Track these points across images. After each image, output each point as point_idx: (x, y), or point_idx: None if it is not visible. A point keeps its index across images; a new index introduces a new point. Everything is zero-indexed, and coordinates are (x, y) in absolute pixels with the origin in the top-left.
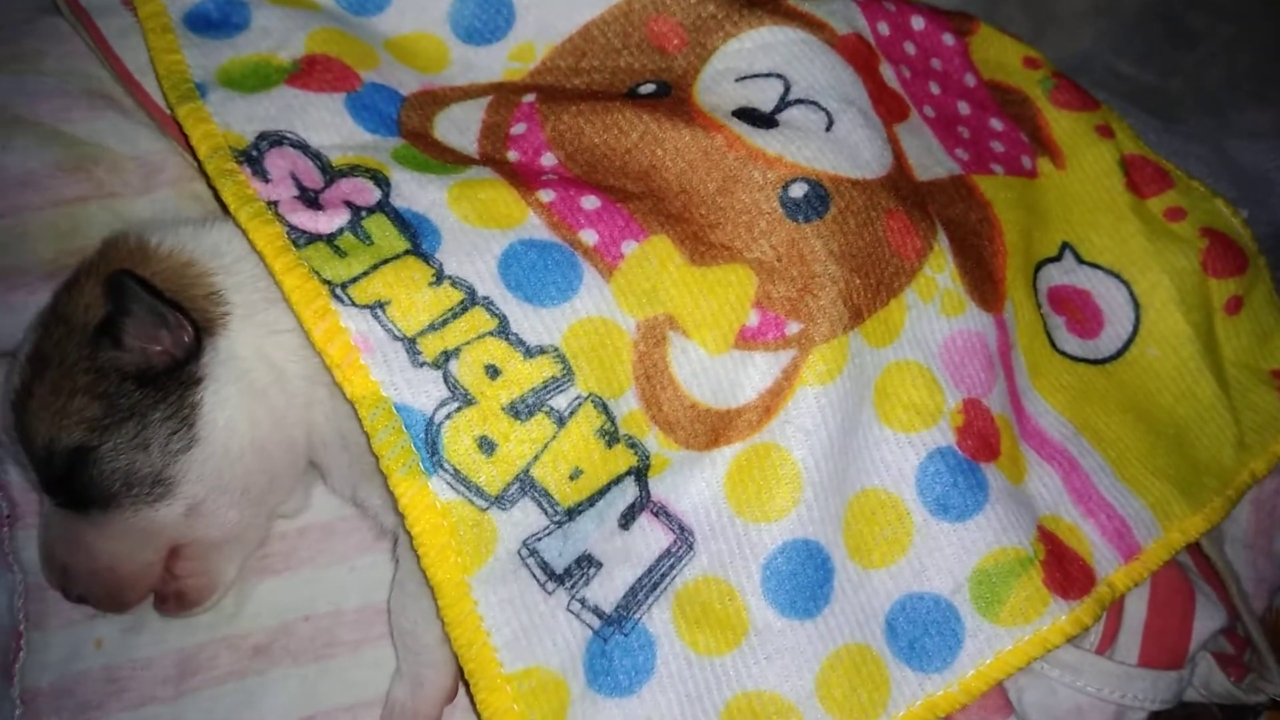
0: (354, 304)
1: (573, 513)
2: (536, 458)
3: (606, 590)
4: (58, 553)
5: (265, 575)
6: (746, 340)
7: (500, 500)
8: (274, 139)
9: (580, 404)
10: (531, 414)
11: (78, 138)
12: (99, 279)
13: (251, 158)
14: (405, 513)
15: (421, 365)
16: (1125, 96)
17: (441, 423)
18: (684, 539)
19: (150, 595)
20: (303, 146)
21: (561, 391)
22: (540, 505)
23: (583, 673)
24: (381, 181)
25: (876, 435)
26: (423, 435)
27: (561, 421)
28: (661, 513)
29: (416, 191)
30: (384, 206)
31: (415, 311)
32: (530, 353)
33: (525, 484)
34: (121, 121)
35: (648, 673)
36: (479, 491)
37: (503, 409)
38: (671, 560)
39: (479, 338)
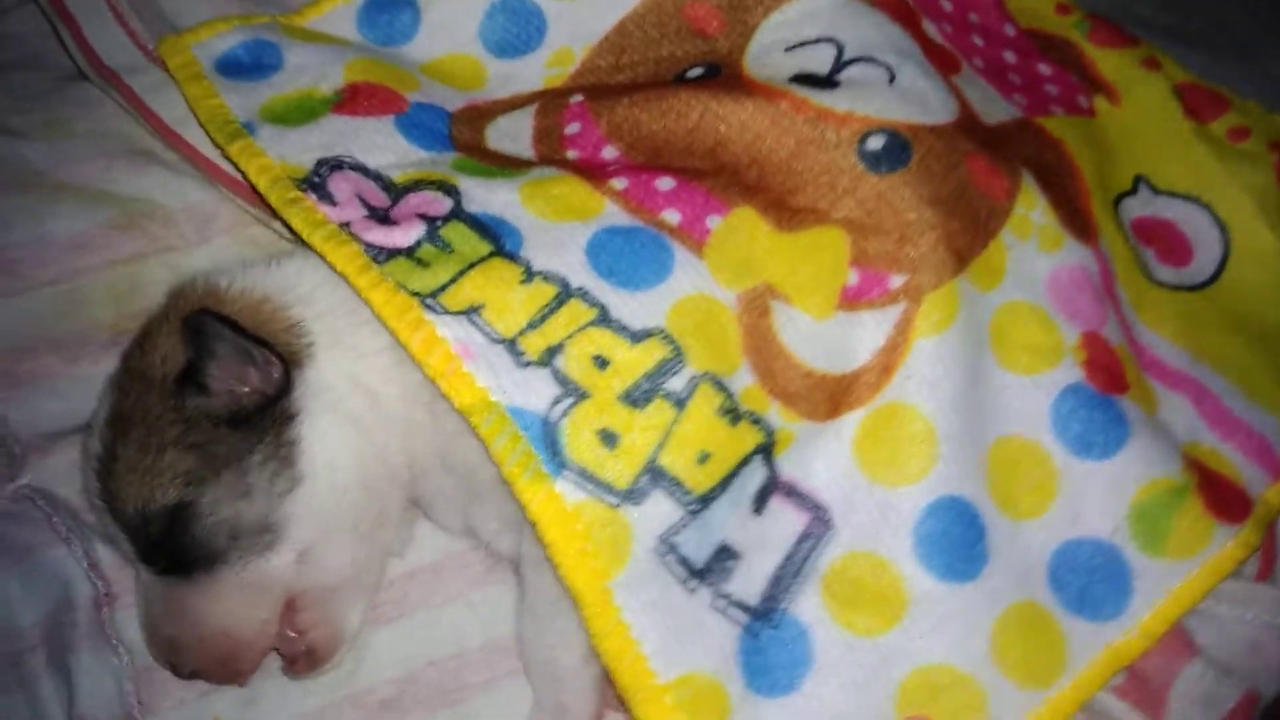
0: (447, 312)
1: (706, 500)
2: (661, 445)
3: (749, 582)
4: (164, 626)
5: (379, 625)
6: (850, 301)
7: (631, 494)
8: (333, 164)
9: (696, 384)
10: (648, 400)
11: (125, 195)
12: (173, 327)
13: (314, 184)
14: (535, 520)
15: (527, 365)
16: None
17: (558, 420)
18: (820, 517)
19: (262, 663)
20: (362, 169)
21: (675, 373)
22: (673, 495)
23: (739, 674)
24: (450, 191)
25: (1000, 382)
26: (541, 436)
27: (680, 404)
28: (792, 493)
29: (487, 196)
30: (458, 214)
31: (511, 311)
32: (636, 338)
33: (654, 474)
34: (167, 175)
35: (807, 664)
36: (608, 488)
37: (618, 398)
38: (811, 541)
39: (581, 329)
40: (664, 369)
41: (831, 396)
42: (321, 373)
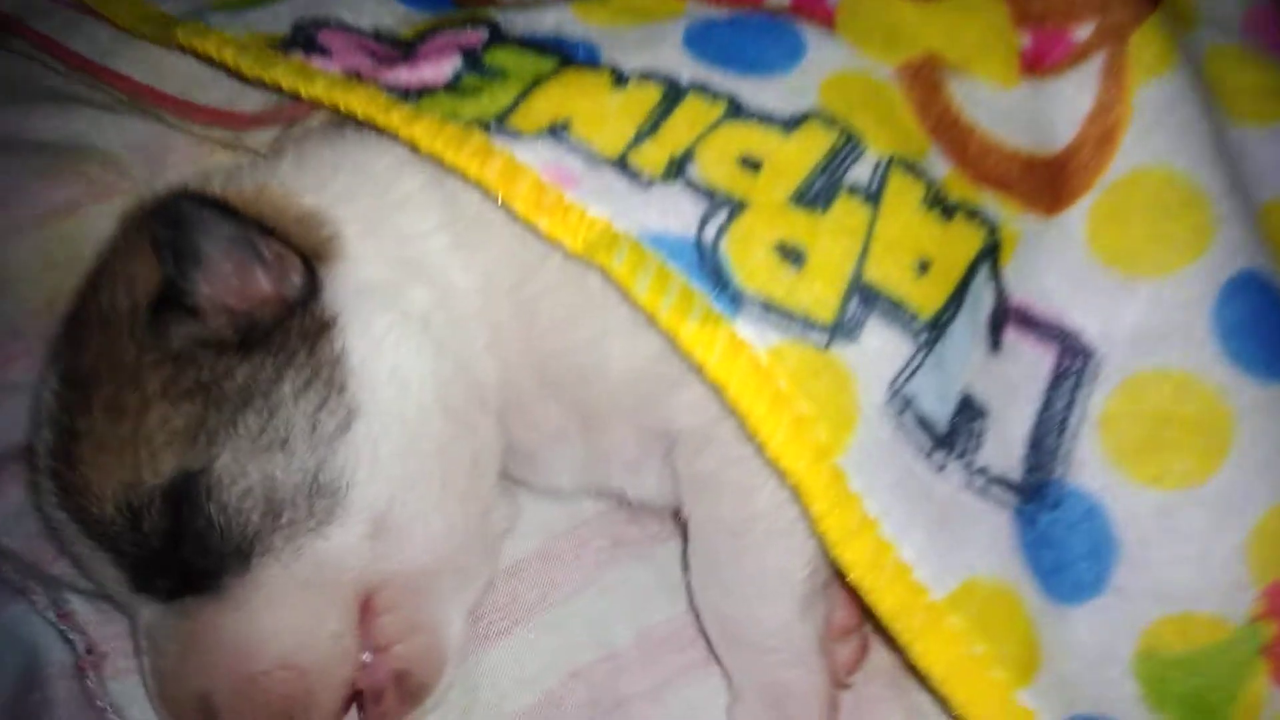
0: (524, 134)
1: (939, 324)
2: (865, 253)
3: (1005, 449)
4: (187, 679)
5: (490, 642)
6: (1032, 67)
7: (842, 327)
8: (318, 23)
9: (886, 171)
10: (830, 198)
11: (50, 141)
12: (136, 249)
13: (299, 41)
14: (718, 381)
15: (650, 185)
16: None
17: (716, 240)
18: (1071, 347)
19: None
20: (355, 30)
21: (855, 161)
22: (896, 321)
23: (1028, 575)
24: (482, 23)
25: (1238, 140)
26: (698, 264)
27: (873, 199)
28: (1028, 321)
29: (532, 19)
30: (499, 39)
31: (609, 123)
32: (789, 125)
33: (865, 295)
34: (98, 114)
35: (1111, 549)
36: (808, 321)
37: (789, 201)
38: (1070, 381)
39: (711, 129)
40: (839, 157)
41: (1049, 183)
42: (358, 266)
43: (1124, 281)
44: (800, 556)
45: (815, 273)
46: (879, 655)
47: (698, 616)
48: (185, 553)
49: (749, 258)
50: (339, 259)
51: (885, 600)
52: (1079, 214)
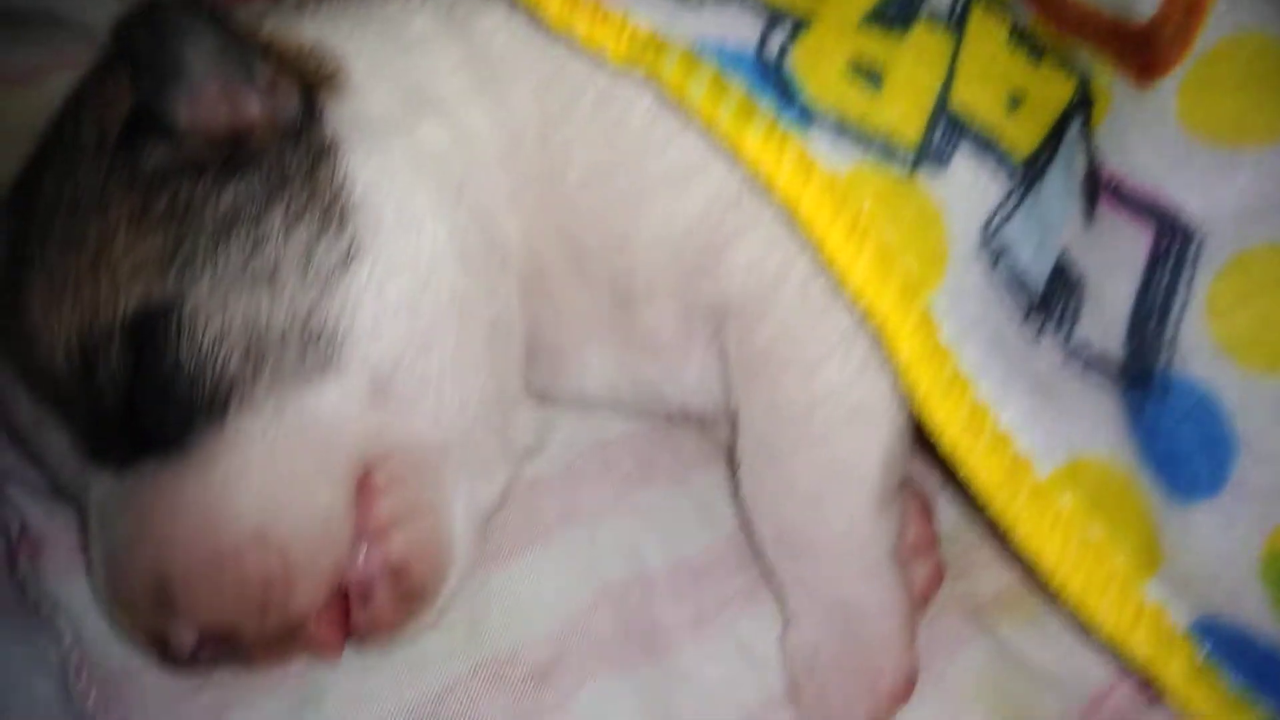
0: None
1: (1034, 166)
2: (951, 78)
3: (1103, 329)
4: (140, 558)
5: (504, 561)
6: None
7: (927, 154)
8: None
9: (968, 1)
10: (909, 21)
11: (19, 9)
12: (115, 68)
13: None
14: (790, 201)
15: (702, 2)
16: None
17: (780, 55)
18: (1170, 227)
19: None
20: None
21: None
22: (988, 154)
23: (1144, 466)
24: None
25: None
26: (760, 75)
27: (957, 25)
28: (1120, 195)
29: None
30: None
31: None
32: None
33: (952, 122)
34: None
35: (1226, 446)
36: (888, 145)
37: (862, 22)
38: (1170, 263)
39: None
40: None
41: (1136, 52)
42: (365, 99)
43: (1226, 155)
44: (874, 445)
45: (896, 93)
46: (956, 585)
47: (746, 537)
48: (148, 404)
49: (819, 73)
50: (343, 92)
51: (983, 471)
52: (1169, 88)
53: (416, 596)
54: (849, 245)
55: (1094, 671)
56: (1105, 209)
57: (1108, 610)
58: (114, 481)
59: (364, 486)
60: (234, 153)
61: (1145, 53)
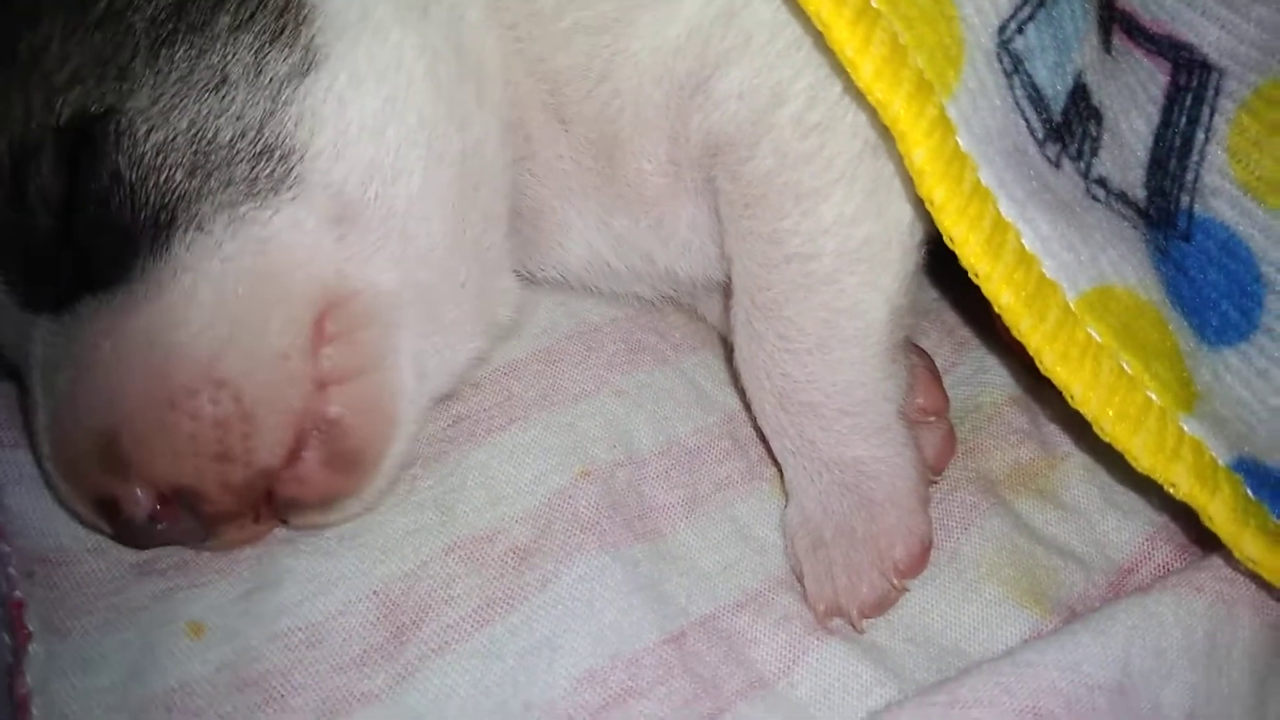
0: None
1: None
2: None
3: (1123, 165)
4: (85, 411)
5: (478, 440)
6: None
7: None
8: None
9: None
10: None
11: None
12: None
13: None
14: None
15: None
16: None
17: None
18: (1188, 64)
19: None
20: None
21: None
22: None
23: (1173, 305)
24: None
25: None
26: None
27: None
28: (1135, 29)
29: None
30: None
31: None
32: None
33: None
34: None
35: (1255, 286)
36: None
37: None
38: (1189, 98)
39: None
40: None
41: None
42: None
43: None
44: (882, 286)
45: None
46: (968, 462)
47: (740, 424)
48: (86, 223)
49: None
50: None
51: (1007, 290)
52: None
53: (353, 463)
54: (857, 33)
55: (1117, 546)
56: (1121, 43)
57: (1144, 441)
58: (55, 330)
59: (317, 332)
60: None
61: None
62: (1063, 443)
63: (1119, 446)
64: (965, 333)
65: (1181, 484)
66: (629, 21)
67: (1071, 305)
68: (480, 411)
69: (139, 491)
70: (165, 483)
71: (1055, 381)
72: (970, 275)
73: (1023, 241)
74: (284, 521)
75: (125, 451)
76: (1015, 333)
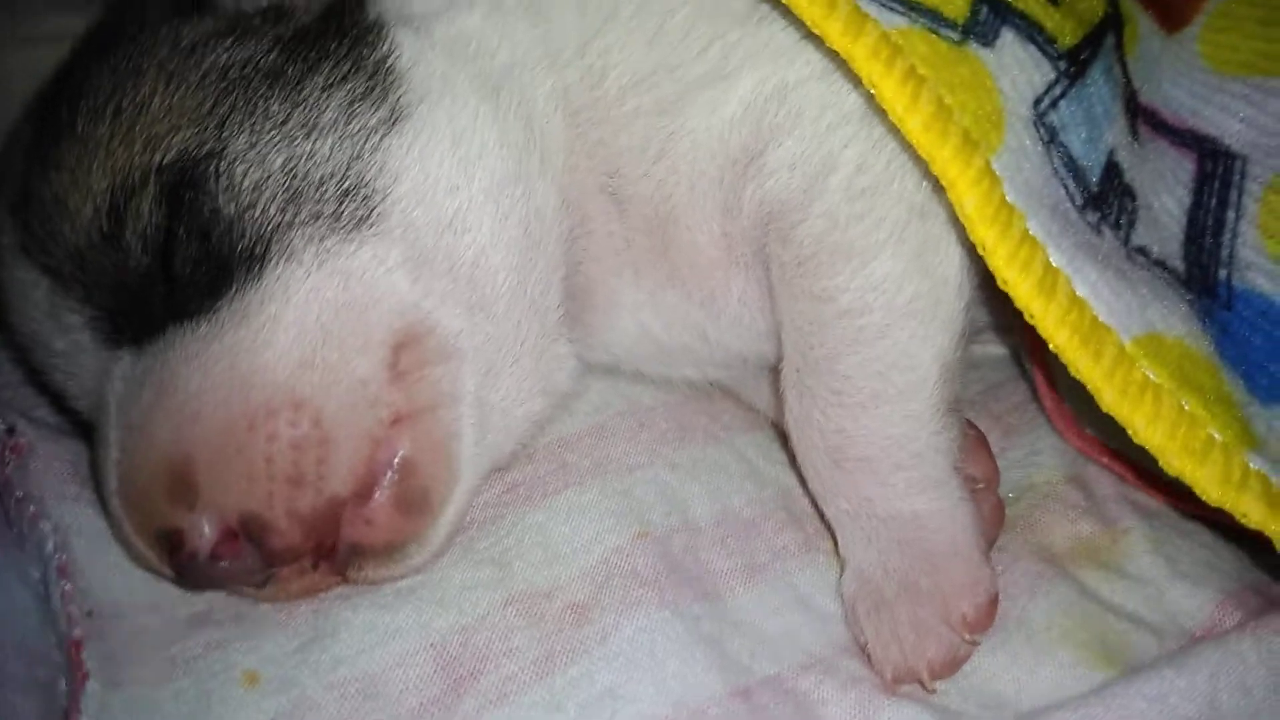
0: None
1: (1077, 59)
2: None
3: (1161, 239)
4: (158, 438)
5: (534, 503)
6: None
7: (974, 28)
8: None
9: None
10: None
11: None
12: None
13: None
14: (844, 52)
15: None
16: None
17: None
18: (1213, 153)
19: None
20: None
21: None
22: (1032, 40)
23: (1223, 362)
24: None
25: None
26: None
27: None
28: (1159, 125)
29: None
30: None
31: None
32: None
33: (995, 4)
34: None
35: None
36: (936, 15)
37: None
38: (1217, 183)
39: None
40: None
41: (1156, 4)
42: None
43: (1258, 83)
44: (932, 341)
45: None
46: (1028, 537)
47: (796, 499)
48: (183, 259)
49: None
50: None
51: (1062, 332)
52: (1191, 36)
53: (419, 504)
54: (904, 93)
55: (1188, 614)
56: (1147, 134)
57: (1211, 473)
58: (134, 363)
59: (392, 362)
60: (277, 23)
61: (1165, 5)
62: (1123, 516)
63: (1186, 479)
64: (1014, 419)
65: (1253, 512)
66: (688, 102)
67: (1126, 346)
68: (535, 479)
69: (205, 523)
70: (234, 509)
71: (1118, 418)
72: (1025, 317)
73: (1074, 287)
74: (343, 578)
75: (196, 478)
76: (1074, 371)
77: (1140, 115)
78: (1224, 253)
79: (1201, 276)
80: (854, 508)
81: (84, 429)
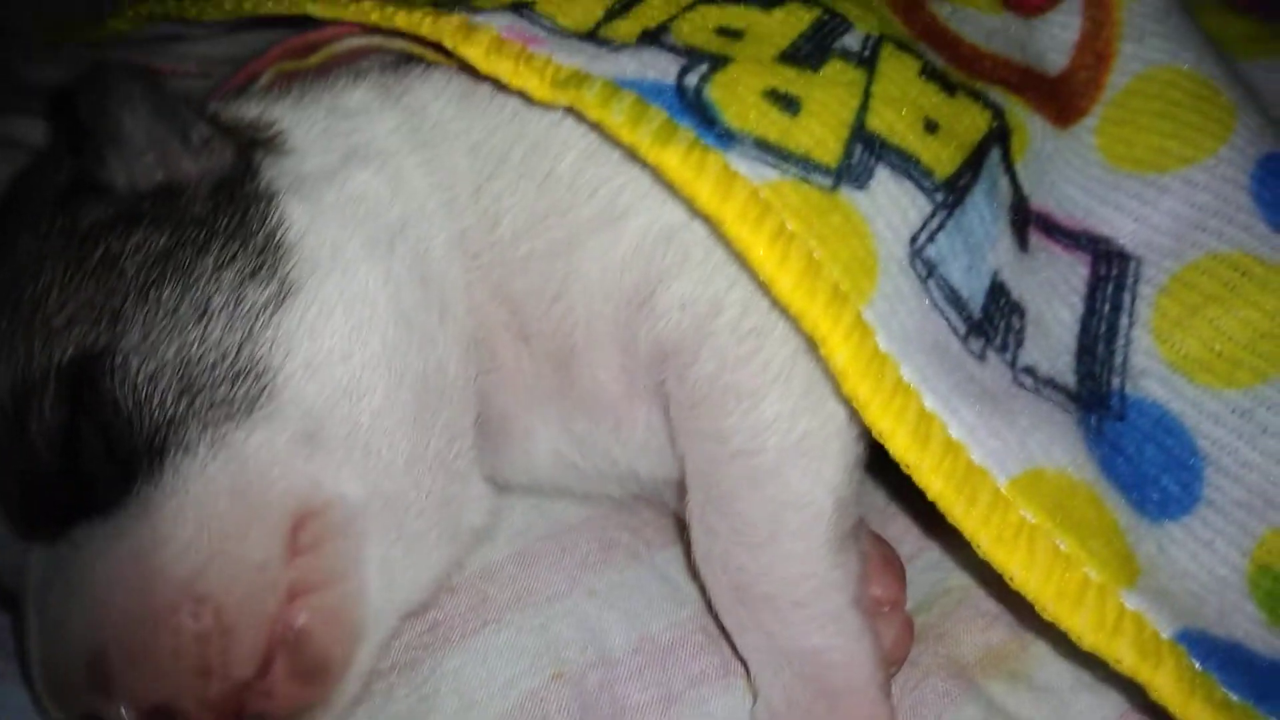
0: (480, 10)
1: (955, 186)
2: (865, 106)
3: (1051, 354)
4: (73, 633)
5: (453, 645)
6: (1014, 7)
7: (847, 172)
8: None
9: (878, 44)
10: (821, 60)
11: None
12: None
13: None
14: (714, 215)
15: (620, 49)
16: None
17: (699, 86)
18: (1106, 255)
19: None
20: None
21: (844, 33)
22: (908, 175)
23: (1110, 485)
24: None
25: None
26: (679, 103)
27: (867, 63)
28: (1051, 229)
29: None
30: None
31: (577, 3)
32: (769, 4)
33: (870, 143)
34: None
35: (1195, 460)
36: (809, 163)
37: (777, 60)
38: (1110, 287)
39: (686, 9)
40: (825, 28)
41: (1051, 97)
42: (303, 158)
43: (1151, 180)
44: (825, 478)
45: (812, 117)
46: (939, 648)
47: (712, 615)
48: (84, 456)
49: (737, 101)
50: (280, 152)
51: (937, 480)
52: (1088, 127)
53: (318, 673)
54: (774, 252)
55: None
56: (1038, 240)
57: (1087, 619)
58: (49, 557)
59: (290, 541)
60: (167, 205)
61: (1060, 100)
62: (1033, 620)
63: (1062, 625)
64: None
65: (1125, 659)
66: (579, 245)
67: (1002, 489)
68: (455, 616)
69: (123, 711)
70: (148, 700)
71: (994, 565)
72: (902, 468)
73: (949, 431)
74: None
75: (111, 670)
76: (950, 518)
77: (1032, 222)
78: (1117, 360)
79: (1094, 387)
80: (760, 642)
81: (10, 600)
